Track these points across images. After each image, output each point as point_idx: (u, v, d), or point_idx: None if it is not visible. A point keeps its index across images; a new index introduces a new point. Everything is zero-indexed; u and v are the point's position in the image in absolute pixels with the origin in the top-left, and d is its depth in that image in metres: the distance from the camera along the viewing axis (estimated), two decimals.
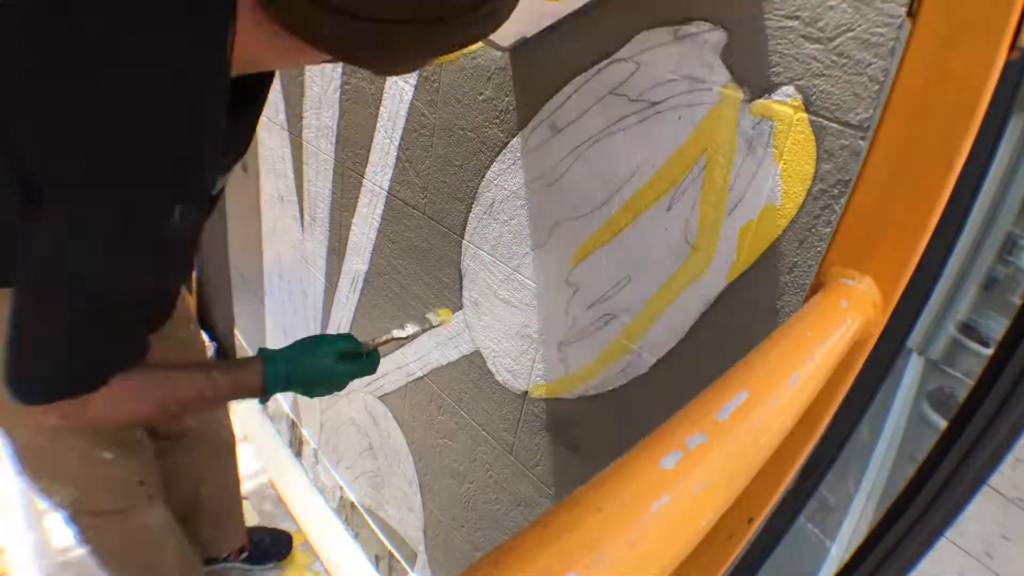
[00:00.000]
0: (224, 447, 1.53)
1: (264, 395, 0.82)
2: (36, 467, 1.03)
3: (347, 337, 0.90)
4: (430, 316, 1.02)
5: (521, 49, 0.99)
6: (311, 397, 0.87)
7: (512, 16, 0.87)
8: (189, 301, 1.32)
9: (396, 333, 0.96)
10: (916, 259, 0.43)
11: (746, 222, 0.76)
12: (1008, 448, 0.59)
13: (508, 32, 0.98)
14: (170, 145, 0.55)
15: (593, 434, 1.04)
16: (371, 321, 1.57)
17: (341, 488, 1.88)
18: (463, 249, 1.21)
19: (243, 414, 2.34)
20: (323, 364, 0.85)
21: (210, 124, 0.58)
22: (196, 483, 1.45)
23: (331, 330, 1.75)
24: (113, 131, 0.52)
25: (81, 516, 1.12)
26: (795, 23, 0.67)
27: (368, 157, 1.41)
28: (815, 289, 0.47)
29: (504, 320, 1.15)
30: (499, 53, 1.02)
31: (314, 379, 0.85)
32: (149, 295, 0.67)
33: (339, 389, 0.88)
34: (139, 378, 0.70)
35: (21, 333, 0.61)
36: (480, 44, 1.05)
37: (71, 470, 1.05)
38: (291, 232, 1.83)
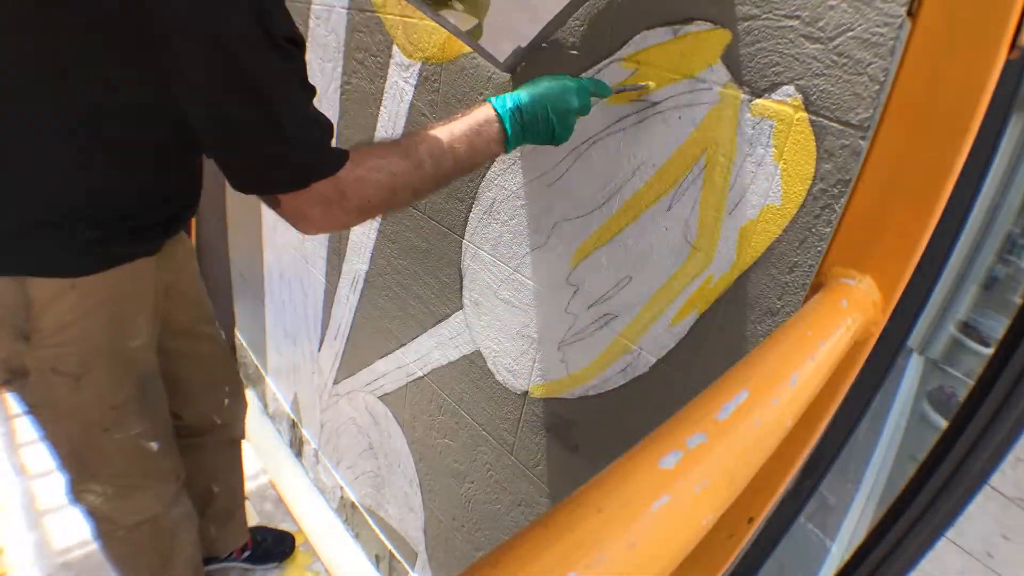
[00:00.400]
0: (237, 445, 1.53)
1: (502, 125, 0.74)
2: (81, 463, 1.03)
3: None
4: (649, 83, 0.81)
5: (523, 63, 0.99)
6: (556, 126, 0.76)
7: (506, 27, 0.87)
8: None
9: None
10: (916, 259, 0.43)
11: (746, 222, 0.76)
12: (1008, 448, 0.59)
13: (504, 48, 0.97)
14: None
15: (593, 434, 1.04)
16: (371, 321, 1.57)
17: (341, 488, 1.88)
18: (463, 249, 1.21)
19: None
20: (557, 81, 0.75)
21: None
22: (209, 480, 1.46)
23: (331, 332, 1.75)
24: None
25: (111, 520, 1.12)
26: (795, 23, 0.67)
27: None
28: (815, 289, 0.47)
29: (504, 320, 1.15)
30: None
31: (550, 95, 0.75)
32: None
33: (583, 106, 0.77)
34: (377, 152, 0.72)
35: (249, 142, 0.67)
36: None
37: (117, 464, 1.05)
38: (291, 232, 1.83)
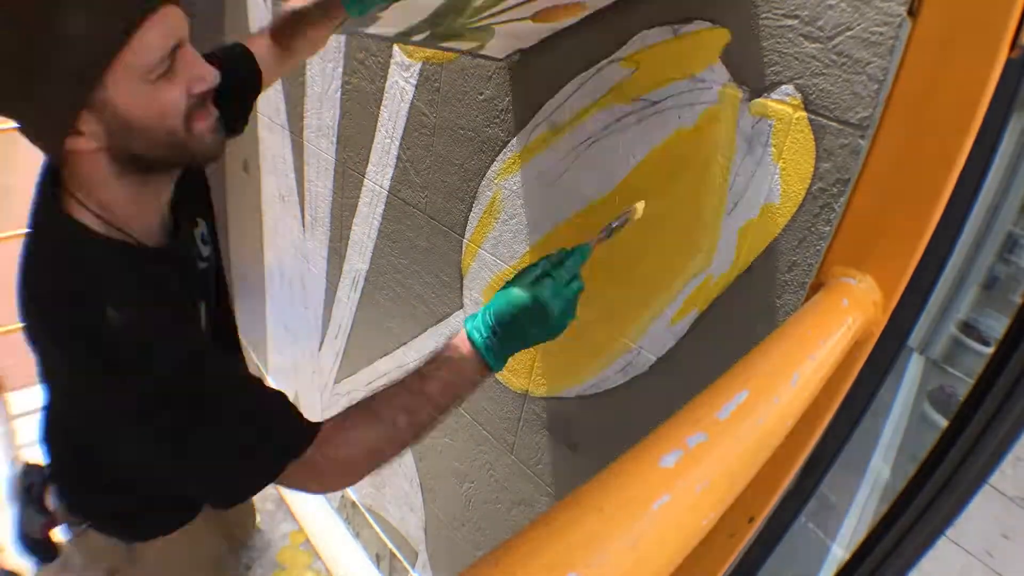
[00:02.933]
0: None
1: (484, 359, 0.71)
2: None
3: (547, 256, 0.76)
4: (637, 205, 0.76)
5: (517, 57, 0.99)
6: (542, 339, 0.72)
7: (509, 32, 0.89)
8: None
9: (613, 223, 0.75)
10: (917, 258, 0.43)
11: (746, 221, 0.76)
12: (1009, 447, 0.59)
13: (504, 46, 0.98)
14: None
15: (593, 433, 1.04)
16: (372, 320, 1.57)
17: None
18: (464, 248, 1.21)
19: None
20: (520, 295, 0.70)
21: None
22: None
23: (332, 331, 1.75)
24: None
25: None
26: (794, 22, 0.67)
27: (369, 157, 1.41)
28: (816, 288, 0.47)
29: None
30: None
31: (519, 313, 0.70)
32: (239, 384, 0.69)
33: (564, 319, 0.72)
34: (348, 423, 0.69)
35: (191, 461, 0.65)
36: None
37: None
38: (292, 232, 1.83)
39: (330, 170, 1.57)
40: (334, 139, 1.52)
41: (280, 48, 0.91)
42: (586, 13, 0.88)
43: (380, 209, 1.42)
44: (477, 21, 0.85)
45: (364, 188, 1.45)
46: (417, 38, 0.90)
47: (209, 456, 0.65)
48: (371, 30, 0.86)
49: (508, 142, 1.05)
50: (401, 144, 1.30)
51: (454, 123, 1.15)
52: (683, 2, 0.76)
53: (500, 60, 1.02)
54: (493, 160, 1.09)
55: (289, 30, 0.89)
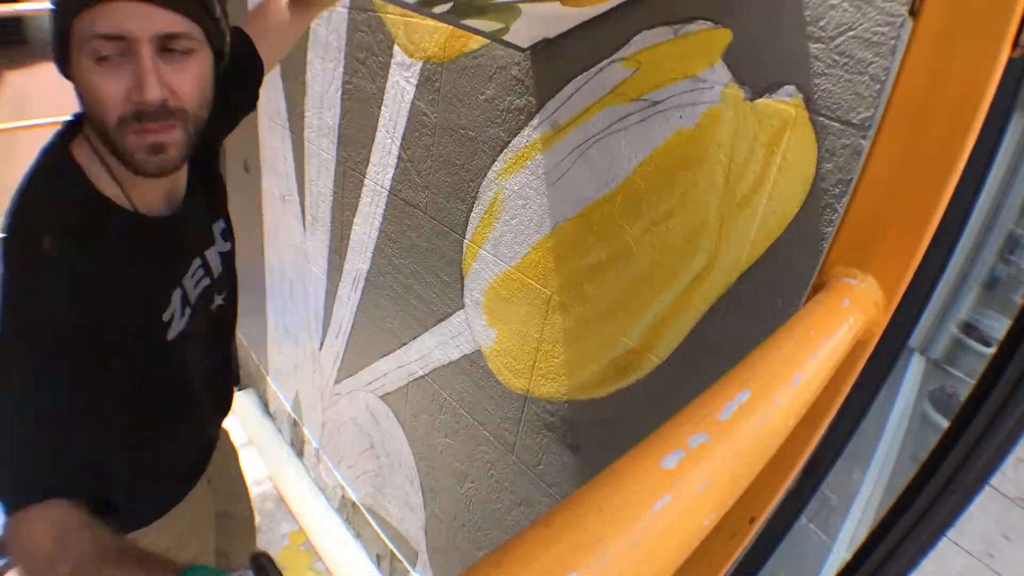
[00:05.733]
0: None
1: None
2: None
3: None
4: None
5: (541, 46, 0.97)
6: None
7: (533, 21, 0.87)
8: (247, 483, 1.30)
9: None
10: (918, 258, 0.43)
11: (747, 221, 0.75)
12: (1010, 448, 0.58)
13: (528, 35, 0.95)
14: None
15: (594, 433, 1.04)
16: (372, 320, 1.57)
17: (342, 487, 1.89)
18: (464, 248, 1.21)
19: (245, 415, 2.35)
20: None
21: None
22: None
23: (332, 331, 1.76)
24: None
25: None
26: (796, 22, 0.67)
27: (369, 157, 1.41)
28: (817, 288, 0.47)
29: (506, 319, 1.15)
30: (503, 52, 1.02)
31: None
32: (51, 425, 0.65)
33: None
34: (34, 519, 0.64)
35: None
36: (487, 42, 1.05)
37: None
38: (293, 231, 1.83)
39: (331, 170, 1.57)
40: (335, 139, 1.52)
41: (299, 4, 0.93)
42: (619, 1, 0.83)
43: (381, 209, 1.42)
44: None
45: (365, 188, 1.45)
46: (439, 10, 0.87)
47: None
48: None
49: (509, 142, 1.05)
50: (402, 144, 1.30)
51: (455, 123, 1.15)
52: (684, 2, 0.76)
53: (523, 50, 0.97)
54: (494, 160, 1.09)
55: None
